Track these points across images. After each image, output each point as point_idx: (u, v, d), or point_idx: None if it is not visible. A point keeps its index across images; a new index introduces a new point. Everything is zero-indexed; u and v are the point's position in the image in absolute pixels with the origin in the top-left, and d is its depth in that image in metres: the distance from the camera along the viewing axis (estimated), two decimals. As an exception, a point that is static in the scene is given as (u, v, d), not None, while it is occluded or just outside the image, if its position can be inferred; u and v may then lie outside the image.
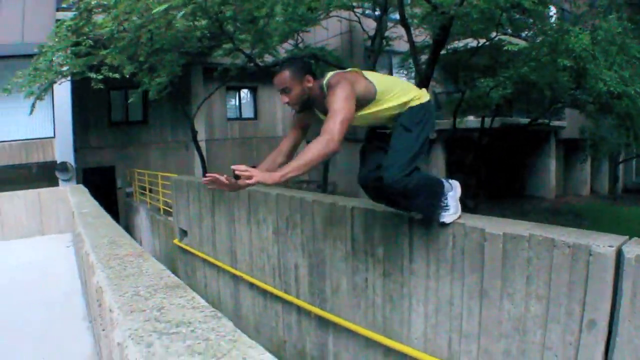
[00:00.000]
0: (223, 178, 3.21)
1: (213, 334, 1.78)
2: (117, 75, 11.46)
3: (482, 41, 15.22)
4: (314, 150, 3.13)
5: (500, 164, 24.10)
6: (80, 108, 17.80)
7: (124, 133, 19.82)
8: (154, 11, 9.03)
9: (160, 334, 1.79)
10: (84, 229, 4.37)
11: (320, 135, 3.20)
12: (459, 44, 16.47)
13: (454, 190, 4.23)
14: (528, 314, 3.71)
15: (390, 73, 21.24)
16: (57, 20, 13.75)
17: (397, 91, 3.72)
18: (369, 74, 3.71)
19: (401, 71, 19.36)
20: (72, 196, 8.76)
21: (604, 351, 3.26)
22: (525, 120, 21.32)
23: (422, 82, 10.96)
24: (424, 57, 15.36)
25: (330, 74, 3.60)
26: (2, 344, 5.09)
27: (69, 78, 13.49)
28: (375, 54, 15.78)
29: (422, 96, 3.83)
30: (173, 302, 2.16)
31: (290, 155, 3.88)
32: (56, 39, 11.90)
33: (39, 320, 5.81)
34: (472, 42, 16.04)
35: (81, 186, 11.31)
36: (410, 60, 16.80)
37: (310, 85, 3.58)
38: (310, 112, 3.83)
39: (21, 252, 10.02)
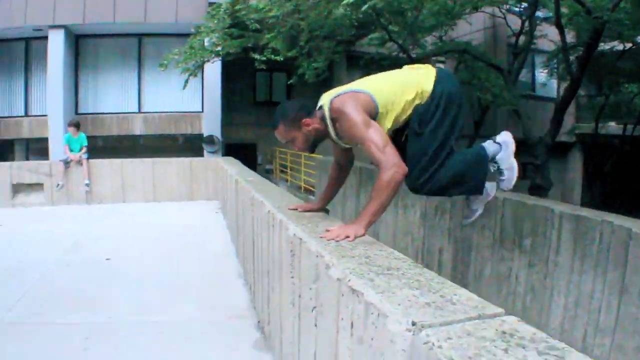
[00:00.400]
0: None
1: (422, 277, 2.05)
2: (279, 58, 12.03)
3: (628, 45, 14.66)
4: (384, 189, 2.96)
5: (637, 173, 23.22)
6: (227, 86, 18.67)
7: (266, 112, 20.52)
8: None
9: (376, 273, 2.08)
10: (258, 193, 4.82)
11: (379, 171, 3.00)
12: (605, 46, 15.84)
13: (503, 150, 3.93)
14: (666, 312, 3.80)
15: (533, 72, 20.78)
16: (212, 3, 14.54)
17: (398, 96, 3.37)
18: (364, 86, 3.39)
19: (544, 71, 18.94)
20: (229, 166, 9.34)
21: None
22: None
23: (571, 85, 10.89)
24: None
25: (325, 102, 3.37)
26: (171, 291, 5.71)
27: (220, 58, 14.22)
28: (523, 52, 15.46)
29: (424, 90, 3.40)
30: (376, 253, 2.45)
31: (343, 179, 3.96)
32: (215, 21, 12.61)
33: (198, 274, 6.37)
34: (618, 45, 15.45)
35: (232, 158, 11.99)
36: (555, 60, 16.65)
37: (309, 127, 3.38)
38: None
39: (174, 213, 10.81)
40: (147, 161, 12.39)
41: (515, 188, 4.13)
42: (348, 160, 3.83)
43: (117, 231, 9.10)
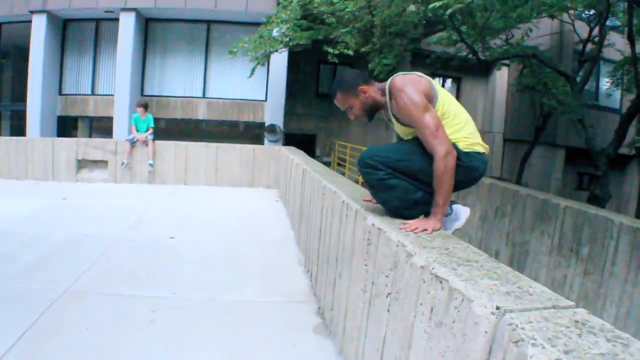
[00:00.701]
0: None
1: (499, 270, 2.20)
2: (351, 52, 12.11)
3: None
4: (446, 175, 3.02)
5: None
6: (291, 77, 18.81)
7: (328, 105, 20.67)
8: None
9: (457, 264, 2.23)
10: (330, 183, 4.88)
11: (434, 159, 3.05)
12: None
13: (458, 220, 3.58)
14: None
15: (597, 81, 20.38)
16: (283, -6, 14.72)
17: (456, 121, 3.31)
18: (438, 87, 3.34)
19: (610, 81, 18.58)
20: (295, 155, 9.46)
21: None
22: None
23: (638, 97, 10.69)
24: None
25: (393, 77, 3.36)
26: (233, 273, 5.82)
27: (287, 48, 14.34)
28: (590, 61, 15.17)
29: (475, 145, 3.33)
30: (455, 246, 2.60)
31: None
32: (287, 12, 12.73)
33: (259, 259, 6.50)
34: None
35: (295, 148, 12.10)
36: (621, 71, 16.31)
37: (367, 94, 3.41)
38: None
39: (235, 198, 11.03)
40: (211, 145, 12.64)
41: (575, 198, 4.10)
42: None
43: (180, 212, 9.38)
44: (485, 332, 1.72)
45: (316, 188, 5.65)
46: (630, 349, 1.42)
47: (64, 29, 19.07)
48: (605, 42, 16.49)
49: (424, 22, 12.45)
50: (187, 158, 12.50)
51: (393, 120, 3.46)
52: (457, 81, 23.55)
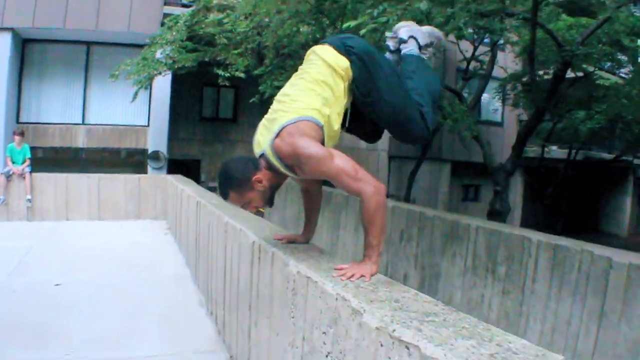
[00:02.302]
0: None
1: (466, 323, 1.98)
2: (242, 75, 11.80)
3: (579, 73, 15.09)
4: (378, 213, 2.76)
5: (577, 197, 24.05)
6: (174, 101, 18.28)
7: (212, 129, 20.28)
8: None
9: (418, 320, 1.94)
10: (234, 220, 4.55)
11: (361, 201, 2.79)
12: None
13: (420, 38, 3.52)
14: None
15: (479, 96, 21.16)
16: (167, 15, 14.25)
17: (328, 94, 2.98)
18: (294, 109, 2.92)
19: (496, 96, 19.30)
20: (184, 185, 9.02)
21: None
22: (608, 156, 21.76)
23: (536, 114, 11.05)
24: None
25: (265, 147, 2.93)
26: (130, 321, 5.34)
27: (171, 71, 13.92)
28: (484, 77, 15.72)
29: (342, 67, 3.00)
30: (403, 296, 2.32)
31: (318, 203, 3.57)
32: (172, 32, 12.34)
33: (155, 301, 6.05)
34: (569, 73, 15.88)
35: (182, 176, 11.64)
36: (508, 87, 17.05)
37: (262, 183, 2.96)
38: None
39: (122, 233, 10.41)
40: (93, 176, 11.98)
41: (462, 209, 4.09)
42: (315, 184, 3.45)
43: (63, 251, 8.69)
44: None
45: (216, 224, 5.29)
46: None
47: None
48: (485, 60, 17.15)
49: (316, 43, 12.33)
50: (67, 191, 11.70)
51: (292, 175, 3.00)
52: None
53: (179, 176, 11.75)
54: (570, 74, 15.18)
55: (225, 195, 3.04)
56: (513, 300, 5.19)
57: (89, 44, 18.03)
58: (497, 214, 10.76)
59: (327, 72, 3.00)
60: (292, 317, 2.88)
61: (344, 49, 3.03)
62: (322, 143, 2.90)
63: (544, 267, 4.87)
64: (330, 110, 2.97)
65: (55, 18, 16.39)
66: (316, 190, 3.47)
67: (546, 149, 19.16)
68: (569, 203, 22.95)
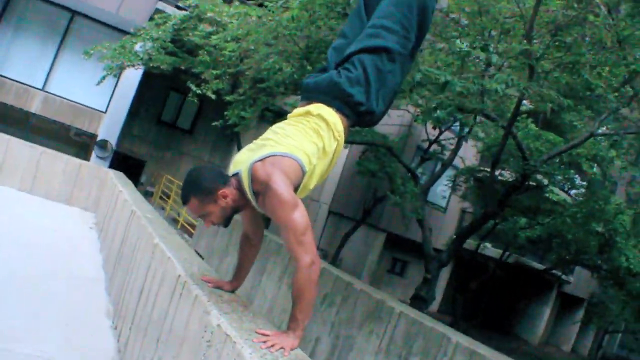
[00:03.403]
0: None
1: None
2: (213, 96, 11.76)
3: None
4: (309, 286, 2.74)
5: (500, 297, 24.58)
6: (137, 95, 18.08)
7: (167, 134, 20.14)
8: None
9: None
10: (165, 244, 4.40)
11: (296, 268, 2.78)
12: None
13: None
14: None
15: (433, 181, 21.59)
16: (160, 11, 14.20)
17: (315, 147, 3.01)
18: (286, 146, 2.93)
19: (447, 184, 19.63)
20: (123, 186, 8.78)
21: None
22: (539, 266, 22.67)
23: (483, 216, 11.26)
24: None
25: (243, 169, 2.93)
26: (33, 317, 5.06)
27: (144, 67, 13.80)
28: (444, 165, 16.17)
29: (338, 130, 3.09)
30: None
31: (255, 255, 3.48)
32: (159, 31, 12.27)
33: (63, 300, 5.75)
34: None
35: (123, 175, 11.33)
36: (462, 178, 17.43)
37: (227, 199, 2.93)
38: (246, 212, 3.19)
39: (47, 213, 10.07)
40: (37, 148, 11.53)
41: (387, 280, 4.05)
42: (259, 233, 3.41)
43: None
44: None
45: (145, 240, 5.11)
46: None
47: None
48: (448, 146, 17.52)
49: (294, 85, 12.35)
50: (6, 154, 11.25)
51: (258, 208, 3.02)
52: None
53: (121, 174, 11.43)
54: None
55: (186, 199, 2.98)
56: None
57: (73, 12, 17.92)
58: (422, 300, 10.86)
59: (325, 128, 3.04)
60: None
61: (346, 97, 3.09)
62: (296, 189, 2.93)
63: (460, 360, 4.88)
64: (317, 162, 3.00)
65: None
66: (258, 239, 3.41)
67: (481, 245, 19.53)
68: (490, 301, 23.40)
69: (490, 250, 21.23)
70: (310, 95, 3.22)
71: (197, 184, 2.94)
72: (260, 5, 10.52)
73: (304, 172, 2.93)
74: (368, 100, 3.10)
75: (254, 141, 3.10)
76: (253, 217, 3.27)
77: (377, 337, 5.90)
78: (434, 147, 18.35)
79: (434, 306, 22.49)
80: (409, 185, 15.64)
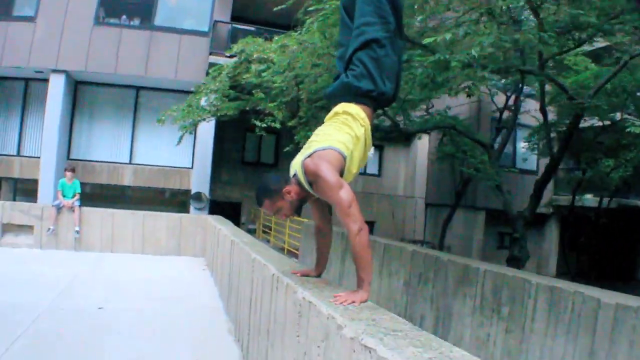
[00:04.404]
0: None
1: (422, 338, 2.45)
2: (277, 125, 12.45)
3: (606, 122, 15.26)
4: (363, 251, 3.29)
5: (613, 245, 23.86)
6: (218, 145, 19.08)
7: (254, 173, 20.92)
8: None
9: (383, 334, 2.45)
10: (259, 256, 5.11)
11: (348, 236, 3.35)
12: (585, 123, 16.28)
13: None
14: (629, 374, 4.22)
15: (514, 146, 21.27)
16: (212, 65, 15.04)
17: (349, 136, 3.64)
18: (328, 141, 3.59)
19: (525, 146, 19.44)
20: (222, 225, 9.64)
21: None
22: None
23: (551, 163, 11.36)
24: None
25: (297, 167, 3.57)
26: (164, 344, 5.92)
27: (215, 117, 14.65)
28: (509, 128, 15.99)
29: (366, 124, 3.75)
30: (381, 317, 2.83)
31: (329, 243, 4.11)
32: (216, 83, 13.08)
33: (188, 328, 6.61)
34: (597, 122, 15.97)
35: (222, 217, 12.28)
36: (537, 137, 17.23)
37: (291, 194, 3.56)
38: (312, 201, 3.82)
39: (162, 267, 11.07)
40: (138, 213, 12.70)
41: (495, 259, 4.46)
42: (328, 222, 4.00)
43: (107, 280, 9.37)
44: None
45: (245, 260, 5.85)
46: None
47: (-8, 87, 18.76)
48: (522, 109, 17.41)
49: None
50: (113, 225, 12.46)
51: (316, 195, 3.64)
52: (380, 149, 24.28)
53: (218, 217, 12.42)
54: (598, 122, 15.46)
55: (260, 202, 3.65)
56: (515, 339, 5.57)
57: (138, 88, 19.13)
58: (516, 260, 11.05)
59: (351, 120, 3.69)
60: (298, 336, 3.39)
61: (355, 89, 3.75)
62: (342, 172, 3.53)
63: (542, 307, 5.25)
64: (353, 148, 3.61)
65: (107, 64, 17.53)
66: (328, 229, 4.02)
67: (578, 197, 19.14)
68: (604, 251, 22.83)
69: (589, 200, 20.69)
70: (334, 99, 3.94)
71: (266, 189, 3.59)
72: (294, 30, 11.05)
73: (344, 157, 3.52)
74: (376, 86, 3.72)
75: (304, 146, 3.79)
76: (320, 210, 3.89)
77: (470, 299, 6.34)
78: (507, 114, 18.28)
79: (551, 270, 22.28)
80: (477, 154, 15.74)
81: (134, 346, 5.79)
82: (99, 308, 7.23)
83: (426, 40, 7.53)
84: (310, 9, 8.96)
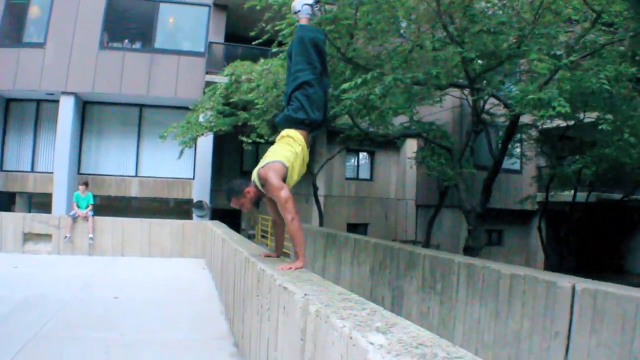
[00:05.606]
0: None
1: (320, 282, 3.81)
2: (262, 140, 13.90)
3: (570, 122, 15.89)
4: (296, 233, 4.64)
5: (595, 238, 24.75)
6: (217, 156, 20.51)
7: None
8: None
9: (298, 281, 3.82)
10: (239, 246, 6.57)
11: (286, 222, 4.73)
12: (550, 124, 17.18)
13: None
14: (522, 328, 5.58)
15: (490, 146, 22.45)
16: (209, 83, 16.45)
17: (291, 153, 4.89)
18: (277, 156, 4.82)
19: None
20: (217, 228, 11.09)
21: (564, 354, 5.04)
22: (618, 196, 21.91)
23: (494, 164, 12.66)
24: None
25: (254, 176, 4.80)
26: (169, 321, 7.40)
27: (212, 132, 16.01)
28: (476, 131, 16.59)
29: (303, 146, 5.07)
30: (302, 275, 4.21)
31: (283, 230, 5.46)
32: (211, 102, 14.53)
33: (189, 311, 8.07)
34: (562, 123, 16.64)
35: (219, 222, 13.69)
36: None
37: (250, 194, 4.81)
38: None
39: (167, 267, 12.55)
40: (145, 221, 14.25)
41: (485, 252, 5.79)
42: (280, 216, 5.11)
43: (119, 278, 10.87)
44: (300, 307, 3.22)
45: (231, 251, 7.29)
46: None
47: (7, 108, 20.18)
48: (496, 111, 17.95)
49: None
50: (123, 232, 13.98)
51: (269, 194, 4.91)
52: (371, 154, 25.82)
53: (217, 222, 13.86)
54: (563, 123, 16.30)
55: (228, 199, 4.96)
56: (446, 309, 6.98)
57: (141, 106, 20.72)
58: (471, 249, 12.20)
59: (292, 141, 5.01)
60: (257, 296, 4.78)
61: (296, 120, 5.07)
62: (285, 178, 4.77)
63: (463, 281, 6.67)
64: (293, 161, 4.87)
65: (112, 85, 18.99)
66: (281, 220, 5.30)
67: (552, 192, 19.93)
68: (587, 245, 23.92)
69: (569, 196, 20.79)
70: (280, 126, 5.32)
71: (232, 189, 4.92)
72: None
73: (287, 168, 4.78)
74: (308, 116, 5.06)
75: (261, 159, 5.15)
76: (274, 207, 5.12)
77: (415, 279, 7.78)
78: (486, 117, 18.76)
79: (539, 265, 23.04)
80: (447, 160, 16.57)
81: (145, 321, 7.30)
82: (115, 297, 8.68)
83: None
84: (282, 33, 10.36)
